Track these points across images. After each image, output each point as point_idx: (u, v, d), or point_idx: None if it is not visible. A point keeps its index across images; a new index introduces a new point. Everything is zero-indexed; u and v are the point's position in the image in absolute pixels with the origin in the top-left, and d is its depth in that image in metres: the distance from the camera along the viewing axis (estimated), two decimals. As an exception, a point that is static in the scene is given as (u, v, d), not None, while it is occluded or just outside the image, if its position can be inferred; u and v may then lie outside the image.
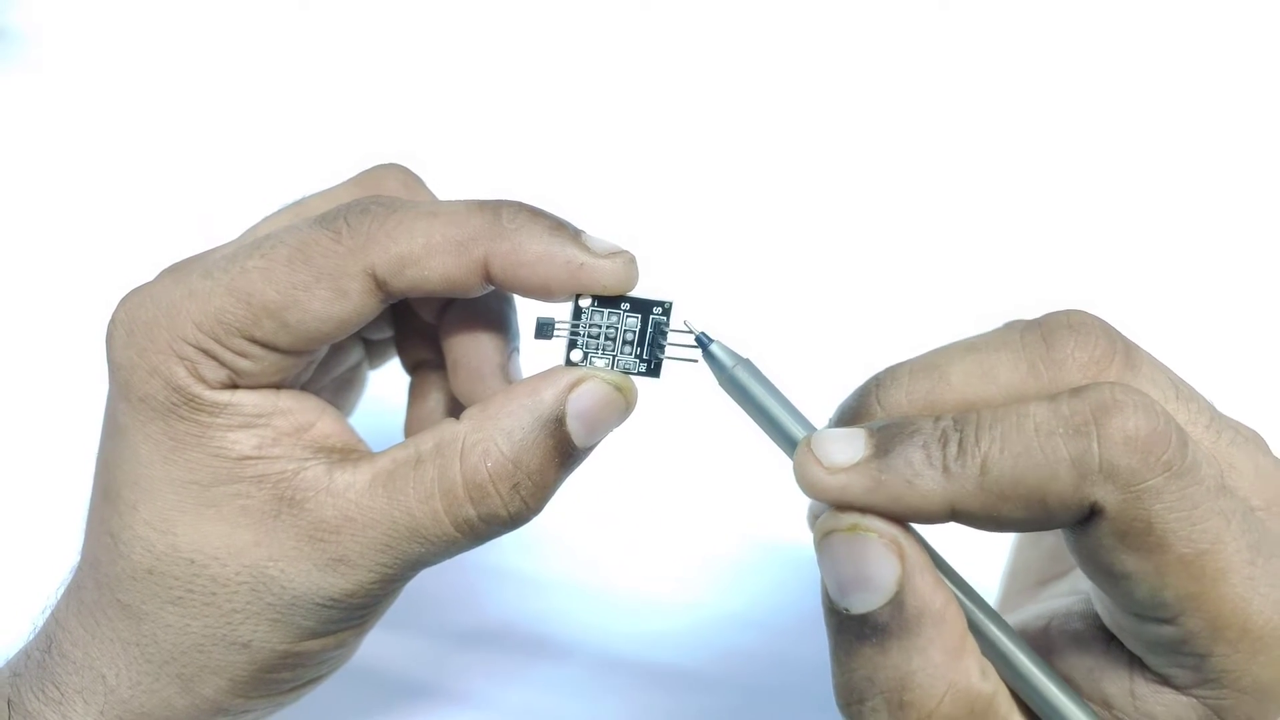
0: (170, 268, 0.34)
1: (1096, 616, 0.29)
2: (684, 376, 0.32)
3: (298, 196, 0.35)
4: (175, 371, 0.31)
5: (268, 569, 0.32)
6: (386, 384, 0.41)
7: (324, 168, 0.54)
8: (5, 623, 0.36)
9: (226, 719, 0.34)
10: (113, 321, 0.33)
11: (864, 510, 0.27)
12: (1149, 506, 0.25)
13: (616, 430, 0.32)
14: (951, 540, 0.29)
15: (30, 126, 0.57)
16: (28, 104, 0.57)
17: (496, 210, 0.31)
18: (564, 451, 0.31)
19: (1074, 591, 0.33)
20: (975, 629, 0.28)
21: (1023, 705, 0.28)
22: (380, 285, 0.31)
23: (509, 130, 0.56)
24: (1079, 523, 0.26)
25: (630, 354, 0.32)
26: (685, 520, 0.47)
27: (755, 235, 0.53)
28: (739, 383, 0.31)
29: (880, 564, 0.27)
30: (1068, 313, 0.28)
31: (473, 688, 0.46)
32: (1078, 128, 0.56)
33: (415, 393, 0.37)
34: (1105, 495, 0.25)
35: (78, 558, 0.35)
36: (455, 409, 0.35)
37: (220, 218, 0.53)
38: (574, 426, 0.31)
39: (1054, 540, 0.36)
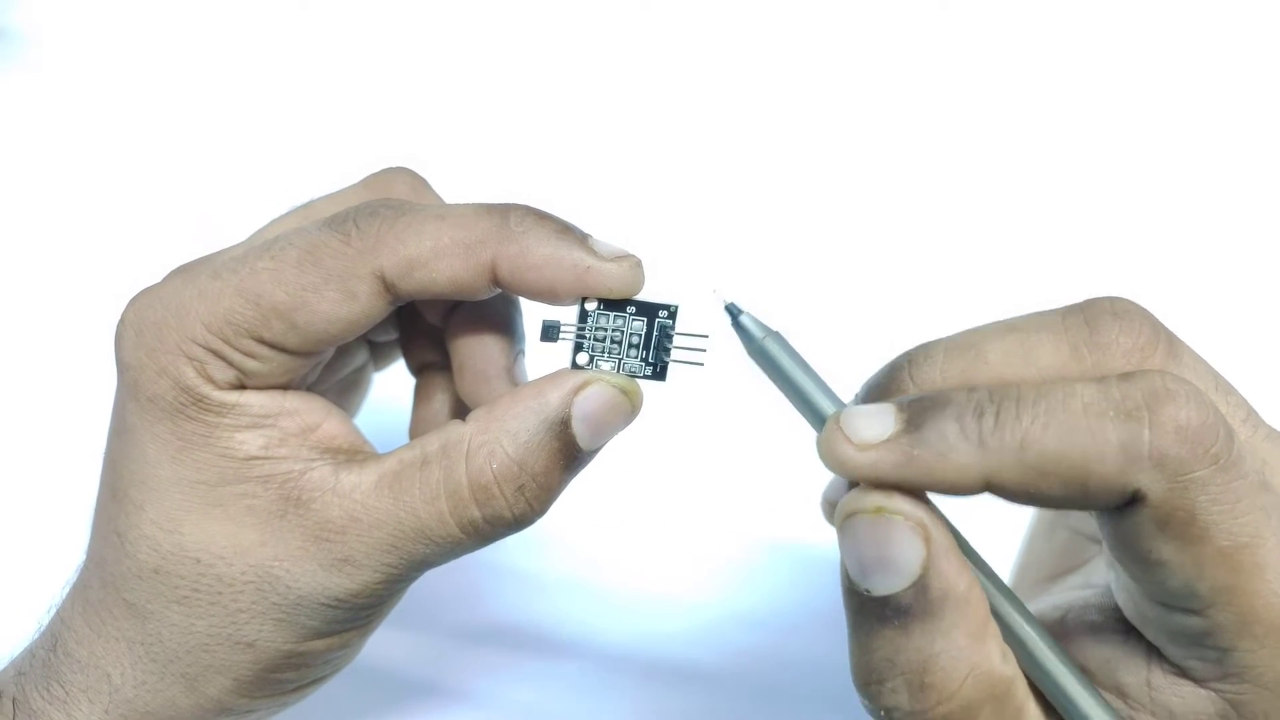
0: (179, 268, 0.34)
1: (1115, 610, 0.29)
2: (688, 376, 0.32)
3: (305, 199, 0.36)
4: (184, 371, 0.32)
5: (273, 569, 0.32)
6: (390, 384, 0.41)
7: (324, 167, 0.54)
8: (11, 622, 0.36)
9: (230, 718, 0.34)
10: (122, 321, 0.33)
11: (895, 487, 0.26)
12: (1194, 497, 0.25)
13: (621, 433, 0.32)
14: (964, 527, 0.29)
15: (30, 127, 0.57)
16: (28, 104, 0.57)
17: (504, 214, 0.31)
18: (569, 454, 0.32)
19: (1088, 585, 0.33)
20: (995, 613, 0.28)
21: (1037, 693, 0.28)
22: (389, 287, 0.31)
23: (512, 132, 0.56)
24: (1117, 508, 0.26)
25: (636, 357, 0.32)
26: (691, 519, 0.47)
27: (763, 236, 0.53)
28: (768, 355, 0.30)
29: (905, 546, 0.26)
30: (1111, 299, 0.28)
31: (476, 686, 0.46)
32: (1090, 118, 0.56)
33: (420, 394, 0.37)
34: (1151, 482, 0.25)
35: (83, 557, 0.35)
36: (460, 410, 0.35)
37: (220, 218, 0.53)
38: (579, 429, 0.31)
39: (1067, 536, 0.36)
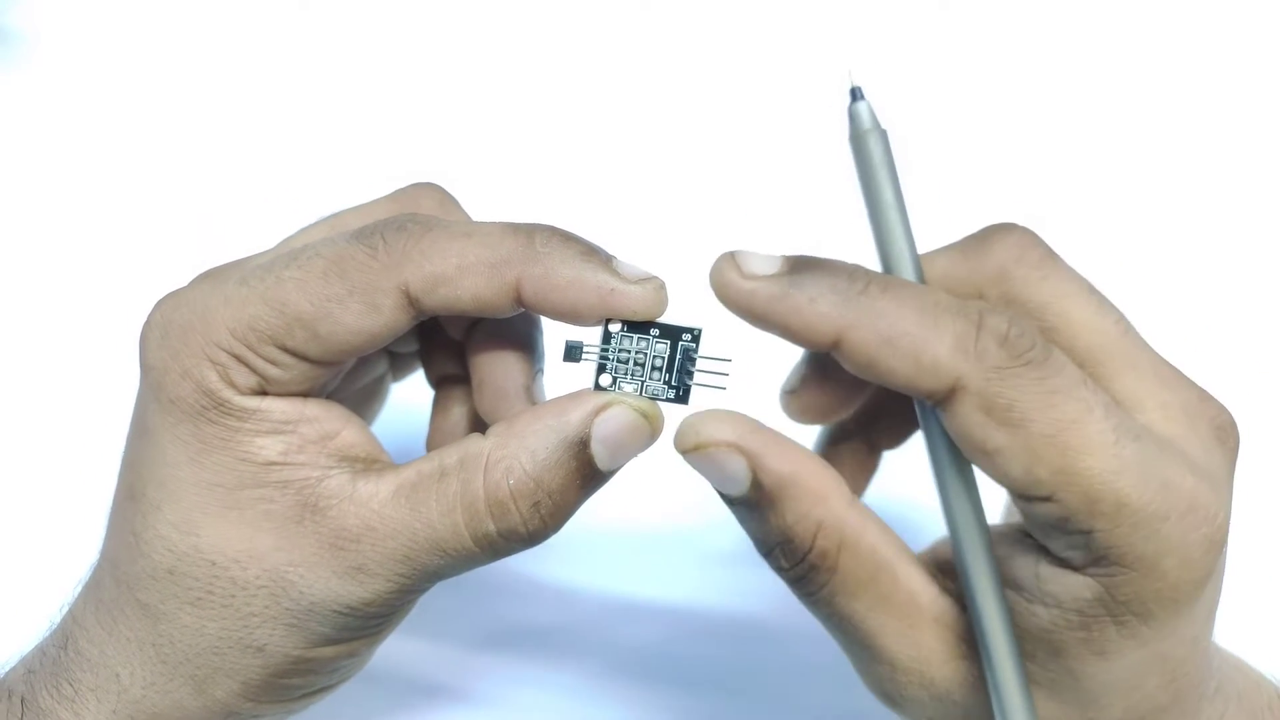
0: (206, 273, 0.34)
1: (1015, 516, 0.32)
2: (706, 397, 0.33)
3: (332, 208, 0.36)
4: (207, 375, 0.32)
5: (287, 574, 0.32)
6: (405, 390, 0.42)
7: (323, 166, 0.55)
8: (23, 619, 0.36)
9: None
10: (148, 323, 0.33)
11: (763, 319, 0.30)
12: (1009, 386, 0.29)
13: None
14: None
15: (30, 127, 0.57)
16: (28, 105, 0.57)
17: (530, 234, 0.32)
18: (586, 474, 0.32)
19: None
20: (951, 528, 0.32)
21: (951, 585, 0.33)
22: (413, 302, 0.32)
23: (528, 142, 0.56)
24: (944, 400, 0.29)
25: (659, 380, 0.32)
26: (692, 520, 0.48)
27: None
28: (865, 148, 0.32)
29: (729, 464, 0.31)
30: (1006, 223, 0.33)
31: (477, 689, 0.46)
32: (1090, 118, 0.57)
33: (439, 406, 0.38)
34: (971, 371, 0.29)
35: (97, 556, 0.35)
36: (478, 423, 0.36)
37: (221, 218, 0.54)
38: (598, 450, 0.32)
39: None
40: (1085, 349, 0.32)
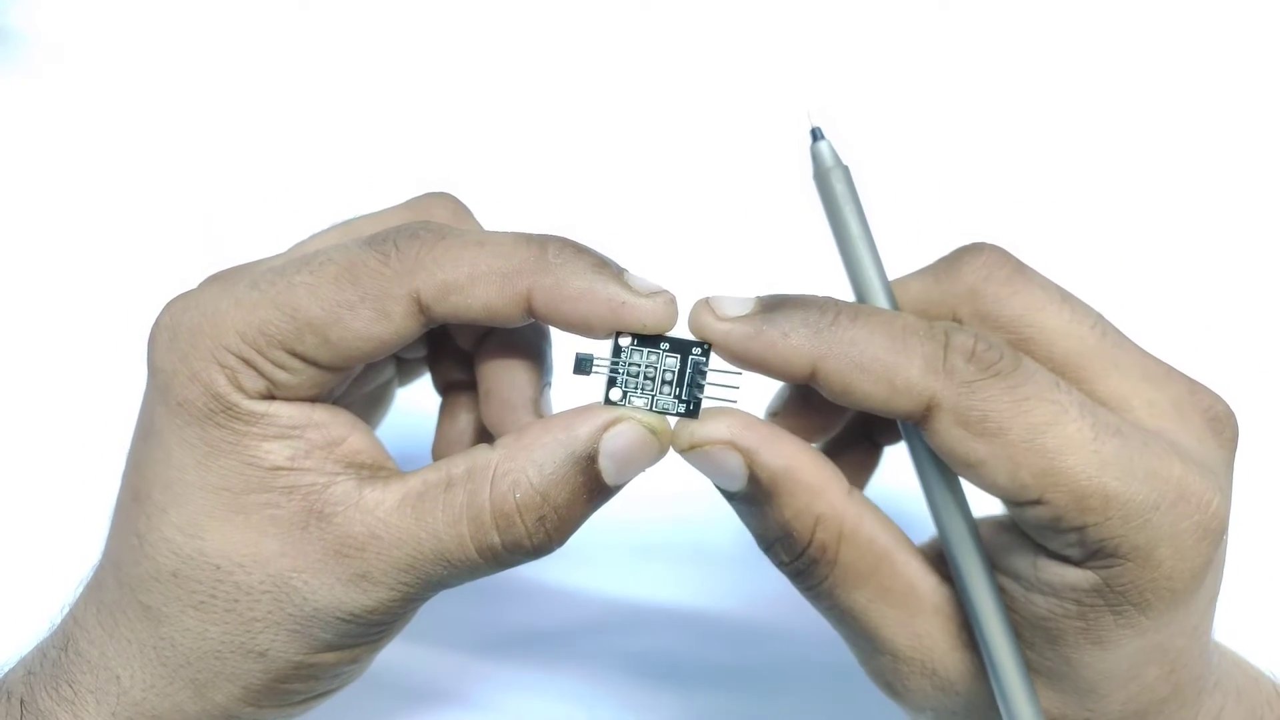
0: (216, 275, 0.34)
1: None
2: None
3: (348, 215, 0.36)
4: (215, 379, 0.32)
5: (291, 579, 0.32)
6: (410, 394, 0.42)
7: (330, 166, 0.55)
8: (23, 621, 0.36)
9: None
10: (157, 325, 0.33)
11: (741, 357, 0.31)
12: (982, 398, 0.30)
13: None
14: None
15: (31, 127, 0.56)
16: (28, 105, 0.57)
17: (543, 245, 0.32)
18: (593, 489, 0.32)
19: None
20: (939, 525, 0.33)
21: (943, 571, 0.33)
22: (423, 310, 0.32)
23: (520, 146, 0.56)
24: (923, 419, 0.30)
25: (669, 394, 0.32)
26: (697, 524, 0.48)
27: (783, 257, 0.53)
28: (828, 184, 0.33)
29: (725, 461, 0.32)
30: (976, 242, 0.34)
31: (476, 692, 0.46)
32: (1089, 119, 0.57)
33: (446, 414, 0.38)
34: (943, 388, 0.30)
35: (99, 557, 0.35)
36: (485, 432, 0.36)
37: (226, 220, 0.54)
38: (605, 465, 0.32)
39: None
40: (1063, 356, 0.32)
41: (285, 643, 0.33)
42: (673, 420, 0.33)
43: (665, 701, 0.46)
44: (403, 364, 0.40)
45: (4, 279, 0.53)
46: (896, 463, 0.40)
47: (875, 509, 0.33)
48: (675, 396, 0.32)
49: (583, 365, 0.32)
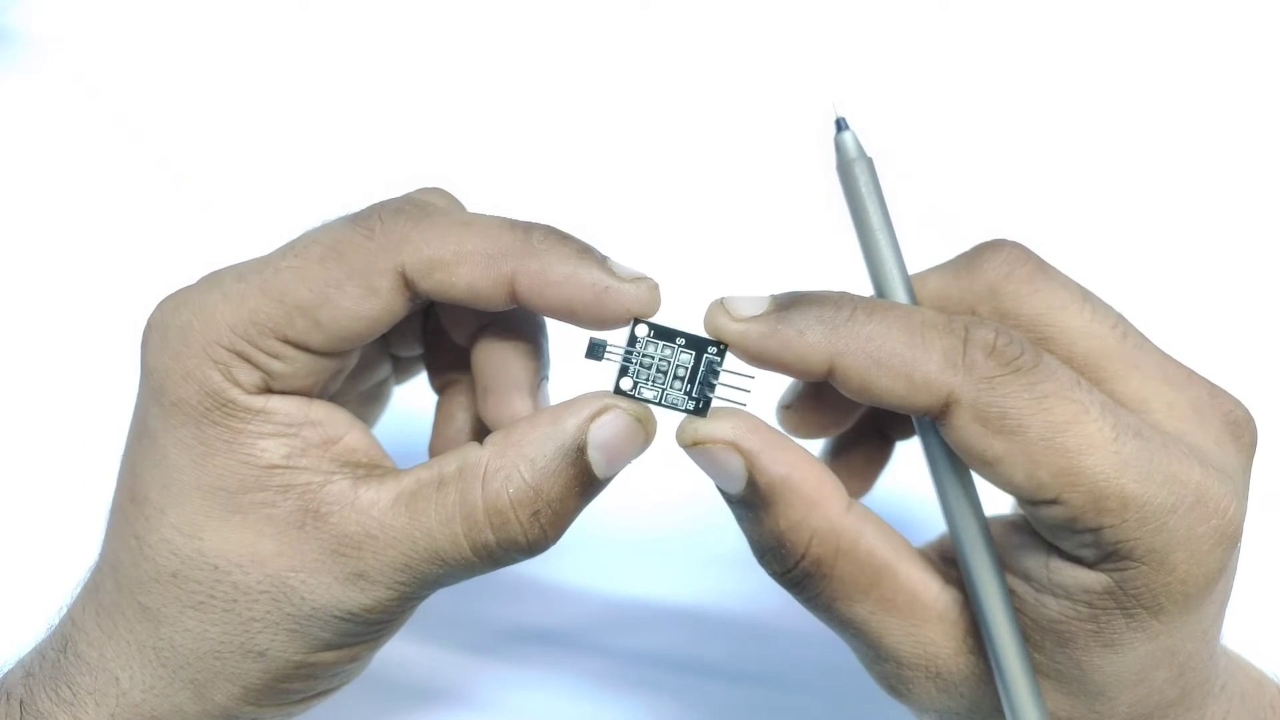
0: (205, 275, 0.34)
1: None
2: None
3: (337, 213, 0.36)
4: (209, 375, 0.32)
5: (289, 579, 0.32)
6: (407, 392, 0.42)
7: (325, 163, 0.55)
8: (22, 622, 0.36)
9: None
10: (148, 325, 0.33)
11: (758, 356, 0.31)
12: (1001, 394, 0.29)
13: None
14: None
15: (31, 127, 0.56)
16: (28, 105, 0.57)
17: (528, 230, 0.32)
18: (584, 481, 0.32)
19: None
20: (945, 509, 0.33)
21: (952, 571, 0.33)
22: (409, 284, 0.32)
23: (517, 145, 0.56)
24: (940, 415, 0.30)
25: (679, 390, 0.32)
26: (697, 523, 0.47)
27: (788, 253, 0.53)
28: (851, 175, 0.33)
29: (726, 461, 0.31)
30: (996, 239, 0.34)
31: (476, 692, 0.46)
32: (1089, 119, 0.57)
33: (442, 411, 0.37)
34: (963, 384, 0.29)
35: (96, 559, 0.35)
36: (482, 428, 0.35)
37: (222, 219, 0.54)
38: (595, 457, 0.32)
39: None
40: (1084, 355, 0.32)
41: (284, 642, 0.33)
42: (680, 417, 0.32)
43: (666, 701, 0.46)
44: (399, 362, 0.40)
45: (2, 279, 0.53)
46: (903, 461, 0.40)
47: (876, 520, 0.33)
48: (686, 393, 0.32)
49: (595, 350, 0.32)
